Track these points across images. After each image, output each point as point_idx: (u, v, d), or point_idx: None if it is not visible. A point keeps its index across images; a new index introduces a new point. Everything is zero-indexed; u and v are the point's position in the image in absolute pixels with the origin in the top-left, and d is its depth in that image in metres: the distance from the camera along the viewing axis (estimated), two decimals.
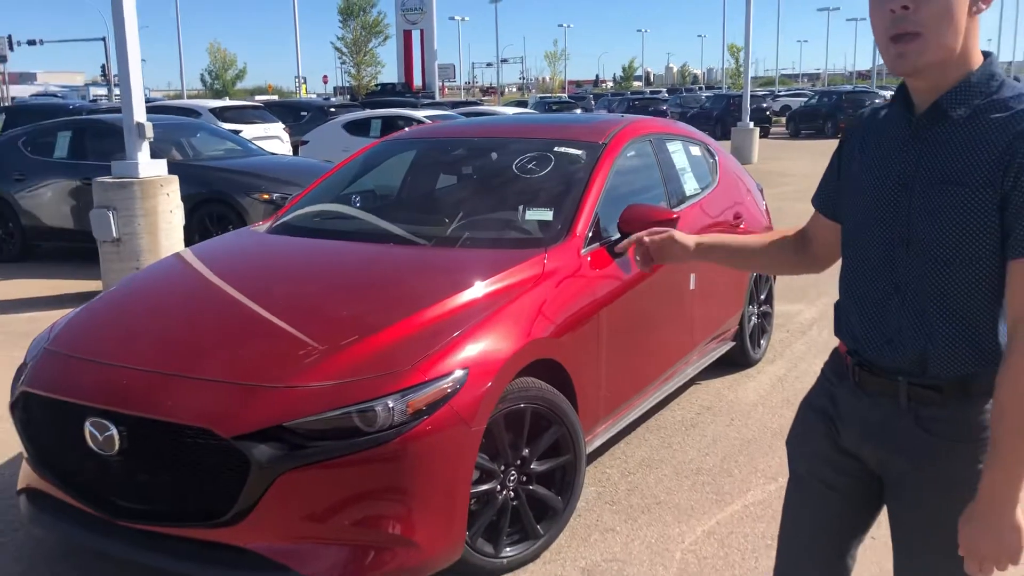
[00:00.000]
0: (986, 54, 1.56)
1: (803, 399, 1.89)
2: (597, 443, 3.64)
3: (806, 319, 6.41)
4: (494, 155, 4.44)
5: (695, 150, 5.00)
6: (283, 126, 16.79)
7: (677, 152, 4.71)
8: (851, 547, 1.82)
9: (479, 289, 3.16)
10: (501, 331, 3.01)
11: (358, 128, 15.08)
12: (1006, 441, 1.43)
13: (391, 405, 2.62)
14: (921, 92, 1.57)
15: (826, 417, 1.76)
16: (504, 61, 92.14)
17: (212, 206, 8.47)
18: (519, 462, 3.05)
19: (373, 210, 4.30)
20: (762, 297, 5.39)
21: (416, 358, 2.76)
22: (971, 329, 1.54)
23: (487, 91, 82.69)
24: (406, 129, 5.31)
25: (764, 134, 27.31)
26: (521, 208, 3.87)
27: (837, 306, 1.77)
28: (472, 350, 2.86)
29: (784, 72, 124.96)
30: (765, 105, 33.65)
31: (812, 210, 1.91)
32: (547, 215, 3.76)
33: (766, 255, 2.00)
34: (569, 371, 3.24)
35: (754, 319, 5.27)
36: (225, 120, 15.75)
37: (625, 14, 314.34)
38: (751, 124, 21.03)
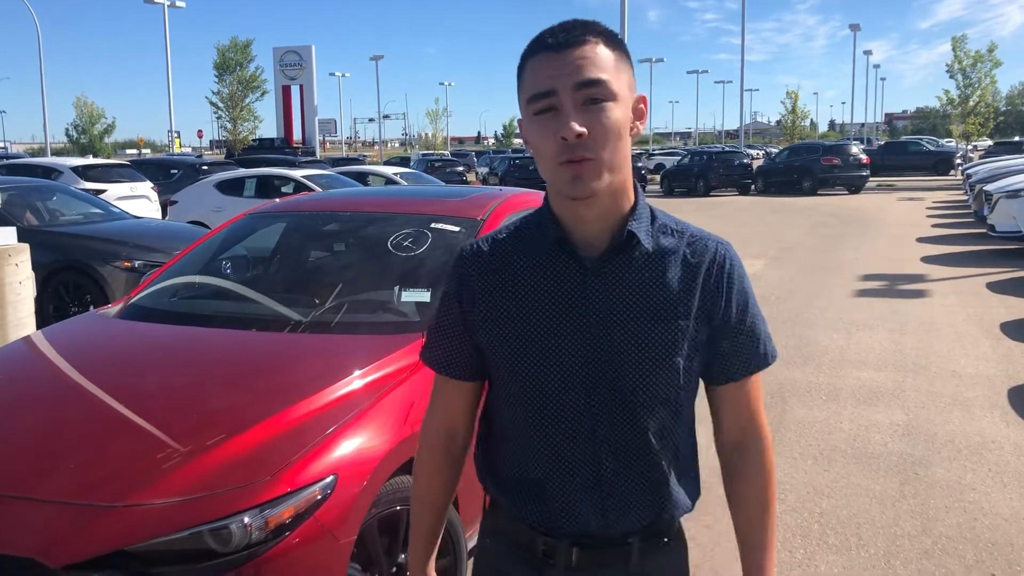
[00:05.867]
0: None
1: None
2: None
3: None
4: (368, 231, 4.25)
5: None
6: (151, 185, 16.11)
7: None
8: None
9: (351, 381, 2.95)
10: (374, 428, 2.80)
11: (231, 188, 14.51)
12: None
13: (248, 522, 2.36)
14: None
15: None
16: (386, 117, 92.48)
17: (68, 275, 7.93)
18: (395, 569, 2.83)
19: (237, 292, 4.03)
20: None
21: (278, 466, 2.51)
22: None
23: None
24: (276, 200, 5.05)
25: None
26: (397, 289, 3.69)
27: None
28: (342, 451, 2.64)
29: (657, 131, 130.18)
30: (640, 164, 34.92)
31: None
32: (424, 296, 3.60)
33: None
34: None
35: None
36: (90, 179, 15.01)
37: (505, 74, 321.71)
38: None
